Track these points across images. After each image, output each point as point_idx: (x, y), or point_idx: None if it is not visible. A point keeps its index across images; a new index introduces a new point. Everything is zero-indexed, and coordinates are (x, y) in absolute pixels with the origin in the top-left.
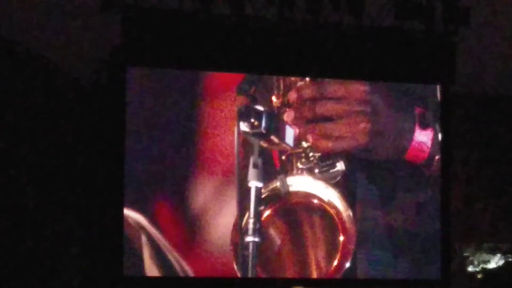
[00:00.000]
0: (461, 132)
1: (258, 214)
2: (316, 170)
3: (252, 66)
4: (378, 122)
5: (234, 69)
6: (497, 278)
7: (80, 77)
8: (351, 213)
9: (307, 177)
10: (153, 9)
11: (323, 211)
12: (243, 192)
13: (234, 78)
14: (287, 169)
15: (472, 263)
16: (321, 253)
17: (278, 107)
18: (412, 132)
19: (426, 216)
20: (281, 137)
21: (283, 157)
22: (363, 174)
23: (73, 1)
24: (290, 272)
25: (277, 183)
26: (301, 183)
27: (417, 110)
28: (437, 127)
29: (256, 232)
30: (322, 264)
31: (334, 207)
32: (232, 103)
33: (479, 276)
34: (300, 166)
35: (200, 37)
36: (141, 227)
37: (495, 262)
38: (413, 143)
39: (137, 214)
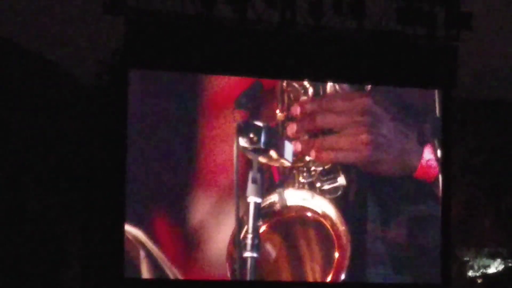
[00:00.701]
0: (462, 137)
1: (257, 230)
2: (318, 184)
3: (253, 69)
4: (379, 135)
5: (236, 72)
6: (497, 283)
7: (83, 79)
8: (346, 228)
9: (305, 192)
10: (155, 12)
11: (320, 226)
12: (242, 207)
13: (234, 94)
14: (288, 183)
15: (472, 267)
16: (317, 267)
17: (282, 121)
18: (420, 150)
19: (428, 226)
20: (280, 153)
21: (286, 171)
22: (366, 189)
23: (77, 3)
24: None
25: (274, 197)
26: (299, 197)
27: (424, 127)
28: (436, 142)
29: (254, 247)
30: (318, 278)
31: (331, 222)
32: (231, 119)
33: (479, 280)
34: (302, 180)
35: (202, 41)
36: (140, 243)
37: (495, 266)
38: (422, 161)
39: (136, 229)
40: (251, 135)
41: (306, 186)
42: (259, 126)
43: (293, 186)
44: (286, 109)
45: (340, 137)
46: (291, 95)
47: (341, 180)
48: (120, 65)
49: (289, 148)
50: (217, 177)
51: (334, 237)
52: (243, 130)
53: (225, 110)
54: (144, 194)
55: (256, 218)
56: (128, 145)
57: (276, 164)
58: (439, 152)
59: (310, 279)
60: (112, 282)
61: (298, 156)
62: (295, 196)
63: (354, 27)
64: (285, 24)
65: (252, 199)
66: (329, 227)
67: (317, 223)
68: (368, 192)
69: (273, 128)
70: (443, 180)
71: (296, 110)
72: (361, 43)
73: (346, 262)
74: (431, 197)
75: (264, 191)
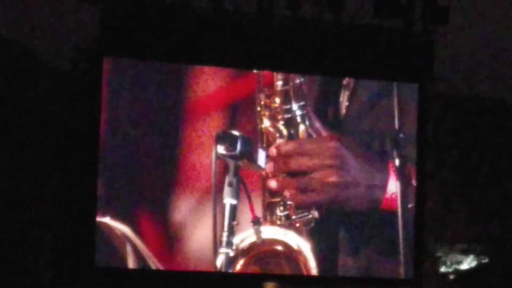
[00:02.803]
0: (437, 132)
1: (231, 228)
2: (293, 217)
3: (229, 60)
4: (347, 176)
5: (212, 62)
6: (469, 279)
7: (57, 66)
8: (315, 263)
9: (280, 229)
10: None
11: (292, 258)
12: (219, 208)
13: (216, 98)
14: (266, 216)
15: (444, 263)
16: None
17: None
18: (384, 184)
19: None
20: (254, 160)
21: (264, 206)
22: (337, 221)
23: None
24: None
25: (251, 233)
26: (274, 233)
27: (391, 164)
28: (395, 153)
29: (229, 244)
30: None
31: (302, 255)
32: (212, 125)
33: (451, 277)
34: (279, 213)
35: (178, 30)
36: (127, 238)
37: (467, 263)
38: (386, 195)
39: (123, 225)
40: (228, 143)
41: (282, 218)
42: (236, 136)
43: (271, 219)
44: (266, 148)
45: (312, 179)
46: (269, 137)
47: (314, 214)
48: (96, 52)
49: (262, 156)
50: (197, 180)
51: (303, 269)
52: (221, 138)
53: (206, 116)
54: (129, 193)
55: (231, 218)
56: (103, 136)
57: (251, 169)
58: (397, 161)
59: None
60: (83, 271)
61: (275, 192)
62: (269, 232)
63: (331, 19)
64: (262, 15)
65: (228, 200)
66: (301, 259)
67: (290, 256)
68: (339, 224)
69: (248, 137)
70: (417, 176)
71: (273, 151)
72: (337, 35)
73: None
74: (397, 224)
75: (241, 227)
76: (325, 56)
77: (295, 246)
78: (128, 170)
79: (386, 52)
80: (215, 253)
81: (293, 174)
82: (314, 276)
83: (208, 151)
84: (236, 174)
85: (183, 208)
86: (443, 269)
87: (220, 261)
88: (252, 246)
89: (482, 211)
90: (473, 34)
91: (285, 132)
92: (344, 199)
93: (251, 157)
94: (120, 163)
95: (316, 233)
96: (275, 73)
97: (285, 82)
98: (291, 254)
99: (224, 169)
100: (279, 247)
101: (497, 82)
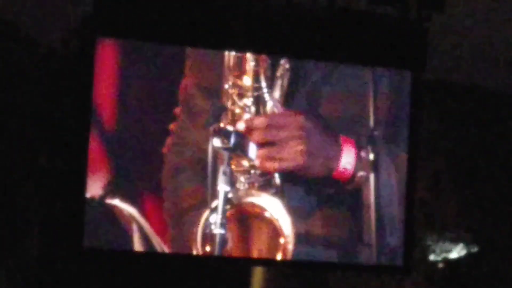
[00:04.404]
0: (430, 120)
1: (224, 211)
2: (256, 184)
3: (222, 43)
4: (311, 145)
5: (205, 45)
6: (458, 268)
7: (48, 46)
8: (290, 219)
9: (254, 191)
10: None
11: (266, 218)
12: (214, 194)
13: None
14: (233, 183)
15: (434, 251)
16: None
17: None
18: (338, 156)
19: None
20: (245, 152)
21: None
22: (299, 187)
23: None
24: None
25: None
26: (249, 195)
27: (342, 138)
28: (369, 147)
29: (222, 225)
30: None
31: (276, 214)
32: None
33: (440, 265)
34: (243, 180)
35: (172, 11)
36: (133, 218)
37: (457, 252)
38: (339, 166)
39: (130, 207)
40: (223, 137)
41: (246, 185)
42: (230, 131)
43: (235, 186)
44: (232, 123)
45: (280, 148)
46: (236, 114)
47: (276, 180)
48: (89, 32)
49: (253, 148)
50: (194, 168)
51: (279, 226)
52: (216, 132)
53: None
54: (135, 177)
55: (224, 203)
56: (111, 122)
57: (243, 160)
58: (371, 156)
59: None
60: (71, 252)
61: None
62: (245, 195)
63: (325, 4)
64: None
65: (222, 187)
66: (275, 218)
67: (265, 215)
68: (298, 187)
69: (240, 132)
70: (408, 163)
71: (242, 125)
72: (331, 20)
73: (292, 247)
74: (345, 193)
75: (232, 183)
76: (318, 41)
77: (270, 209)
78: (134, 155)
79: (379, 38)
80: (210, 232)
81: (263, 144)
82: (301, 262)
83: (205, 143)
84: (229, 164)
85: (182, 193)
86: (432, 257)
87: (214, 241)
88: (232, 206)
89: (473, 200)
90: (467, 21)
91: (253, 108)
92: (307, 166)
93: (243, 150)
94: (126, 148)
95: (279, 198)
96: (247, 55)
97: (257, 63)
98: (268, 217)
99: (219, 160)
100: (258, 210)
101: (491, 71)
